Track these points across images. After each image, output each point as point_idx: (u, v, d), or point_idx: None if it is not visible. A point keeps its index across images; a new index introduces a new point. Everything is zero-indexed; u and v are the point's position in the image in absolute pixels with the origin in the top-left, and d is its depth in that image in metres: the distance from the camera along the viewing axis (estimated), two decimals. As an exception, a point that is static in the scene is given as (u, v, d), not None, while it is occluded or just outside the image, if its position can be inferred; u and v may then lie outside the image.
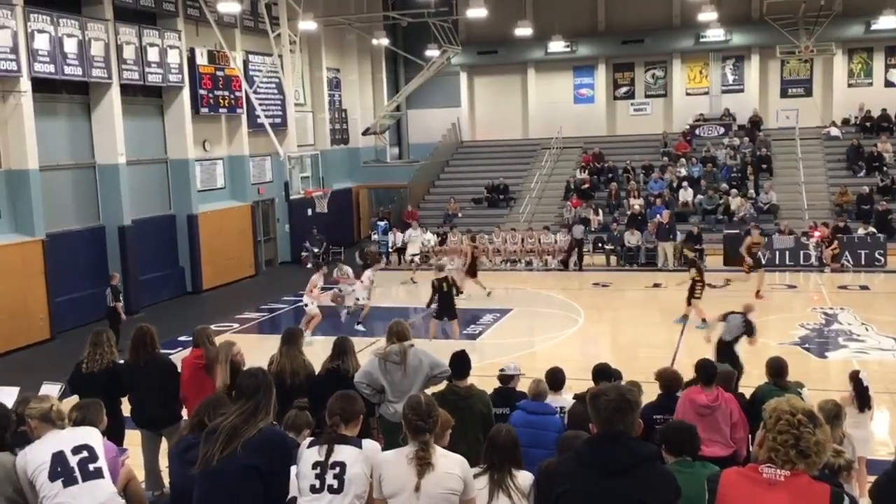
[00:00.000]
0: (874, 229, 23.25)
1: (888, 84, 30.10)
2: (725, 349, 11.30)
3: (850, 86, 30.43)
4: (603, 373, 7.58)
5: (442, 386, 7.22)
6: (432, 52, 32.00)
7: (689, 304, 16.56)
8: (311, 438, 4.71)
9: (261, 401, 4.50)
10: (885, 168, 26.71)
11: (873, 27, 28.50)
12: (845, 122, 29.57)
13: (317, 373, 7.89)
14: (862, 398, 7.50)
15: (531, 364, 12.72)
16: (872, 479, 4.20)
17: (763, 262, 18.25)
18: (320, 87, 29.45)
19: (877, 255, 22.19)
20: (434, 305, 15.94)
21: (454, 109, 34.28)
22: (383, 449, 4.71)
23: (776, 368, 7.21)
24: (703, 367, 7.14)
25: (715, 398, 6.75)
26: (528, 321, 18.24)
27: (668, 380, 7.55)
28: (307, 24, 25.09)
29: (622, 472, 3.37)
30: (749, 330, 11.50)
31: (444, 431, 4.78)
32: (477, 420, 6.74)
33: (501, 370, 7.94)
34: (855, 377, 7.99)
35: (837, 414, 6.53)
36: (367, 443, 4.57)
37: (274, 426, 4.77)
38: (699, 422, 6.43)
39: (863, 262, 22.14)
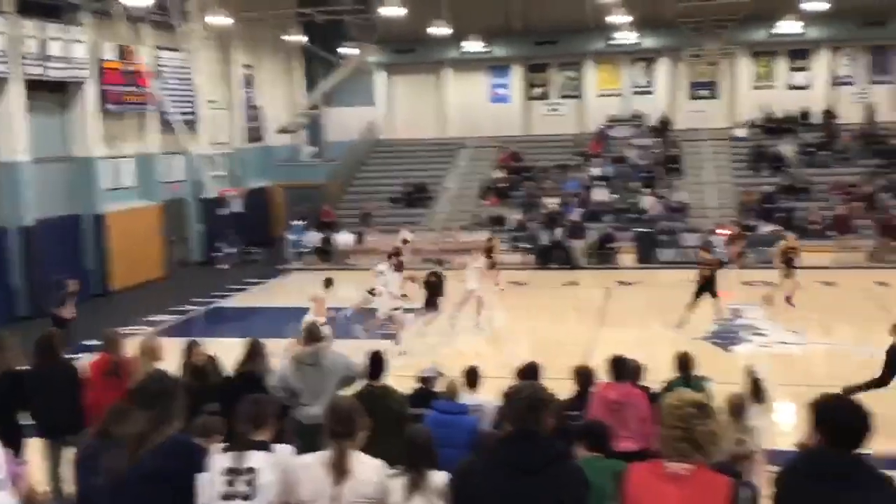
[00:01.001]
0: (778, 227, 24.15)
1: (791, 87, 31.30)
2: None
3: (754, 88, 31.53)
4: (530, 372, 7.63)
5: (358, 386, 7.16)
6: (349, 50, 31.81)
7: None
8: (222, 445, 4.59)
9: (168, 407, 4.36)
10: (787, 168, 27.79)
11: (776, 31, 29.60)
12: (749, 123, 30.62)
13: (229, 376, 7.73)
14: (756, 391, 7.76)
15: (450, 363, 12.77)
16: (773, 469, 4.34)
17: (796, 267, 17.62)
18: (234, 84, 28.89)
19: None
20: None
21: (372, 108, 34.13)
22: (300, 453, 4.62)
23: (682, 363, 7.40)
24: (613, 362, 7.27)
25: (625, 394, 6.89)
26: (446, 320, 18.23)
27: (584, 377, 7.69)
28: (219, 20, 24.57)
29: (535, 470, 3.39)
30: None
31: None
32: (393, 420, 6.70)
33: (421, 373, 7.93)
34: (749, 371, 8.27)
35: (740, 406, 6.75)
36: (279, 448, 4.48)
37: (182, 433, 4.63)
38: (610, 417, 6.56)
39: (767, 259, 22.92)
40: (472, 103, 33.35)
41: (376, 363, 7.13)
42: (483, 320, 16.91)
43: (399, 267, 16.36)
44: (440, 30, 28.71)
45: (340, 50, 32.19)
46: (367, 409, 5.62)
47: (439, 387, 7.79)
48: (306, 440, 6.46)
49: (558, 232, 24.73)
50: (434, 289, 16.77)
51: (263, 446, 4.41)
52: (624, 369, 7.25)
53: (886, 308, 17.63)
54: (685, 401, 3.05)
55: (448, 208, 28.60)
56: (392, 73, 34.27)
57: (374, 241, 26.16)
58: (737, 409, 6.86)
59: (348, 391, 6.99)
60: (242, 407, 4.52)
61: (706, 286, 16.44)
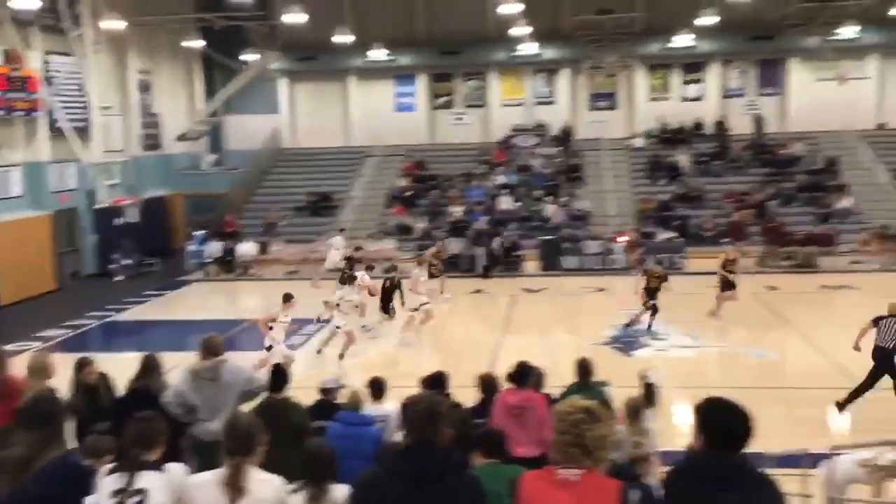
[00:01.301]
0: (674, 234, 24.97)
1: (685, 98, 32.43)
2: (887, 358, 11.17)
3: (651, 100, 32.52)
4: (436, 381, 7.60)
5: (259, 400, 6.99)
6: (250, 57, 31.30)
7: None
8: (111, 465, 4.39)
9: (55, 428, 4.15)
10: (682, 177, 28.75)
11: (671, 45, 30.64)
12: (646, 133, 31.54)
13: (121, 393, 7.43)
14: (649, 395, 7.96)
15: (355, 374, 12.65)
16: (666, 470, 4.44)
17: (735, 283, 17.56)
18: (129, 90, 27.98)
19: (677, 258, 23.77)
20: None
21: (275, 115, 33.63)
22: (198, 471, 4.47)
23: (582, 368, 7.51)
24: (516, 369, 7.33)
25: (526, 399, 6.94)
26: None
27: (487, 384, 7.72)
28: (113, 24, 23.76)
29: (432, 481, 3.37)
30: None
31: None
32: (294, 434, 6.58)
33: (321, 383, 7.81)
34: (641, 376, 8.48)
35: (637, 410, 6.90)
36: (171, 467, 4.32)
37: (69, 454, 4.42)
38: (512, 422, 6.60)
39: (664, 266, 23.62)
40: (378, 112, 33.27)
41: (278, 376, 6.99)
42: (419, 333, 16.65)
43: (350, 280, 16.03)
44: (344, 38, 28.55)
45: (242, 56, 31.64)
46: (267, 422, 5.50)
47: (343, 398, 7.68)
48: (205, 458, 6.26)
49: (465, 240, 24.88)
50: (389, 295, 16.93)
51: (154, 466, 4.24)
52: (526, 376, 7.30)
53: (775, 312, 18.47)
54: (575, 407, 3.08)
55: (353, 217, 28.41)
56: (295, 81, 33.87)
57: (279, 251, 25.77)
58: (633, 412, 7.01)
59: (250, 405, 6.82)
60: (131, 426, 4.34)
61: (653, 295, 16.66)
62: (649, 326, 16.62)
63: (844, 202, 26.32)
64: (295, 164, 32.11)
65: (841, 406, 11.27)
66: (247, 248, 25.39)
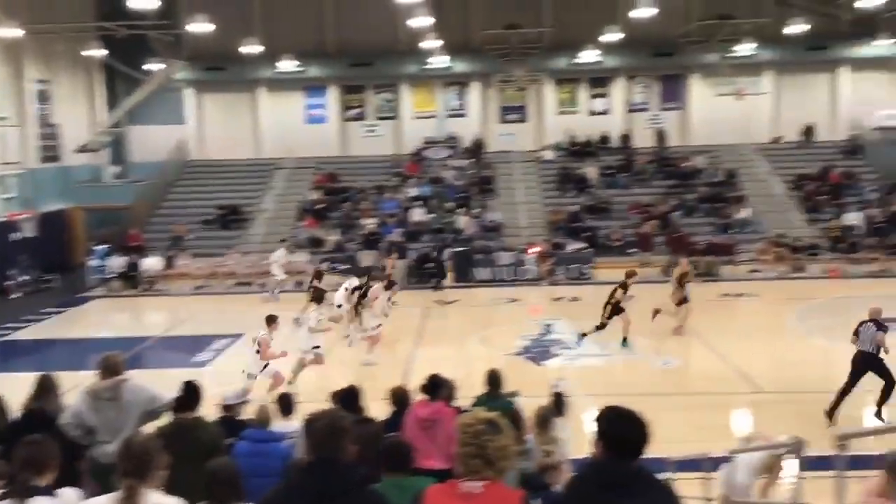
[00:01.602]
0: (583, 244, 25.46)
1: (591, 112, 33.19)
2: (871, 361, 11.31)
3: (559, 113, 33.16)
4: (348, 396, 7.48)
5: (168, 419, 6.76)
6: (154, 66, 30.51)
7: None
8: (1, 492, 4.16)
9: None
10: (590, 189, 29.37)
11: (577, 60, 31.33)
12: (556, 146, 32.12)
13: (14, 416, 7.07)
14: (558, 404, 8.05)
15: (264, 389, 12.39)
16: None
17: (688, 298, 17.41)
18: (26, 99, 26.85)
19: (586, 268, 24.24)
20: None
21: (181, 126, 32.85)
22: (98, 494, 4.27)
23: (492, 379, 7.54)
24: (426, 381, 7.31)
25: (436, 412, 6.93)
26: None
27: (399, 397, 7.68)
28: (8, 31, 22.80)
29: (335, 497, 3.32)
30: (881, 328, 11.46)
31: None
32: (203, 453, 6.37)
33: (224, 399, 7.61)
34: (552, 385, 8.58)
35: (546, 419, 6.96)
36: (64, 492, 4.12)
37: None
38: (422, 435, 6.56)
39: (573, 276, 24.12)
40: (288, 123, 32.90)
41: (190, 393, 6.76)
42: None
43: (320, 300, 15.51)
44: (252, 48, 28.14)
45: (146, 66, 30.81)
46: (175, 442, 5.30)
47: (248, 413, 7.50)
48: (104, 481, 6.01)
49: (379, 252, 24.76)
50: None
51: (46, 491, 4.04)
52: (437, 388, 7.29)
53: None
54: (477, 418, 3.09)
55: (264, 230, 27.96)
56: (202, 91, 33.18)
57: (185, 266, 25.13)
58: (543, 421, 7.07)
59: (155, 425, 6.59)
60: (20, 450, 4.12)
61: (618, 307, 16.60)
62: (583, 335, 16.45)
63: (743, 213, 27.35)
64: (202, 176, 31.42)
65: (830, 415, 11.37)
66: (152, 263, 24.67)
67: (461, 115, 33.30)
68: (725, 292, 21.78)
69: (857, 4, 24.79)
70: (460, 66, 32.31)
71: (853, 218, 26.34)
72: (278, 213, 29.04)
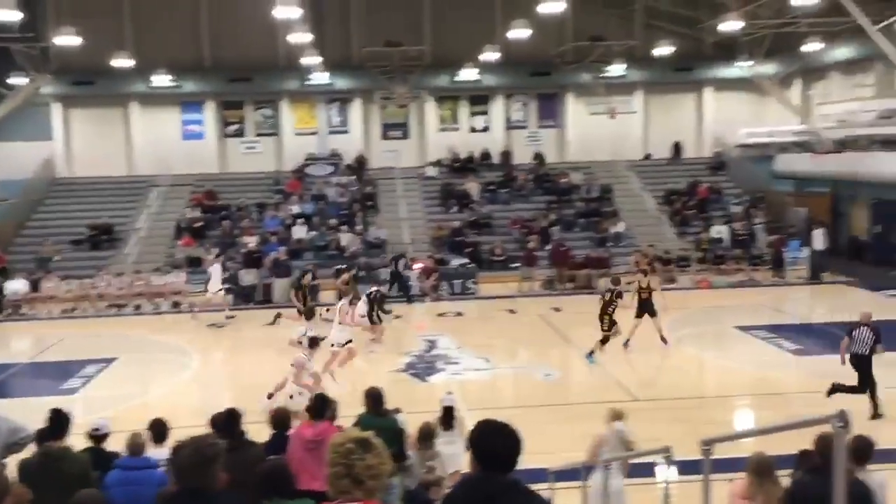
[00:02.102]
0: (467, 260, 25.74)
1: (472, 129, 33.71)
2: (862, 361, 11.89)
3: (441, 130, 33.51)
4: (227, 420, 7.23)
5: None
6: (18, 80, 29.06)
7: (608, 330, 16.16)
8: None
9: None
10: (472, 205, 29.78)
11: (457, 78, 31.79)
12: (438, 163, 32.43)
13: None
14: (447, 419, 8.11)
15: (140, 415, 11.91)
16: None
17: (651, 310, 16.95)
18: None
19: (469, 283, 24.52)
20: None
21: (48, 143, 31.32)
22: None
23: (373, 398, 7.52)
24: (312, 401, 7.22)
25: (322, 432, 6.85)
26: (137, 369, 17.12)
27: (279, 418, 7.54)
28: None
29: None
30: (878, 337, 12.01)
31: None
32: (71, 484, 6.07)
33: (90, 428, 7.26)
34: (441, 400, 8.64)
35: (428, 434, 6.99)
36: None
37: None
38: (308, 456, 6.47)
39: (458, 291, 24.35)
40: (163, 139, 31.90)
41: (57, 421, 6.42)
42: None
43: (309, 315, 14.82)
44: (123, 62, 27.19)
45: (9, 80, 29.27)
46: (42, 474, 5.03)
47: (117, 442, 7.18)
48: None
49: (261, 271, 24.25)
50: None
51: None
52: (323, 408, 7.21)
53: (560, 332, 19.47)
54: (347, 438, 3.06)
55: (139, 250, 26.96)
56: (71, 106, 31.76)
57: (53, 289, 23.91)
58: (425, 437, 7.09)
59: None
60: None
61: (643, 308, 16.64)
62: (591, 353, 16.10)
63: (618, 227, 28.33)
64: (71, 194, 30.04)
65: (875, 415, 11.86)
66: (16, 286, 23.35)
67: (343, 132, 33.16)
68: (603, 304, 22.40)
69: (719, 28, 26.17)
70: (342, 83, 32.21)
71: (719, 231, 27.72)
72: (153, 233, 28.08)
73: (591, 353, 16.11)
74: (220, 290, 21.67)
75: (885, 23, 22.71)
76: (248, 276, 24.10)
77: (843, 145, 27.91)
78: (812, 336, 17.79)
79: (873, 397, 12.01)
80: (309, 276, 20.21)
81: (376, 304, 17.65)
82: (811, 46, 27.94)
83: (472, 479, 3.44)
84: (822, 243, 25.37)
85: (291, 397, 11.99)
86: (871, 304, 21.48)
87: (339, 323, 15.42)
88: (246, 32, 30.66)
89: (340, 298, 17.03)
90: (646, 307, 17.14)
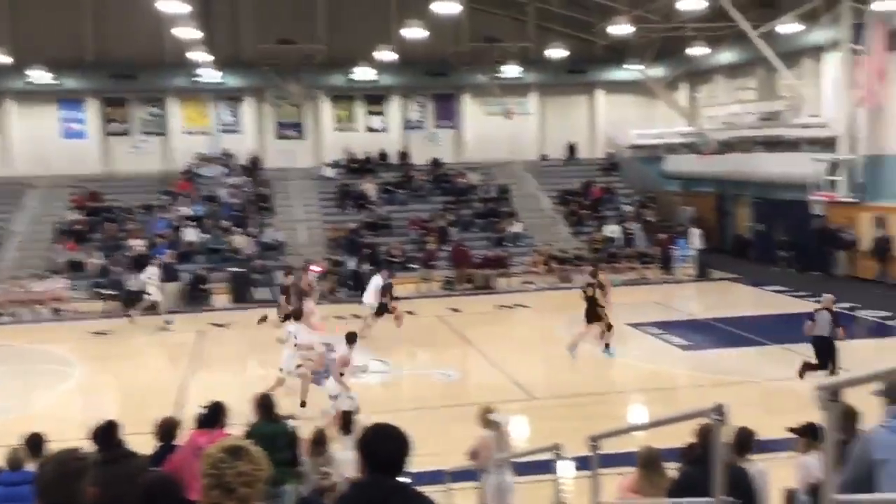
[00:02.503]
0: (365, 261, 25.45)
1: (369, 129, 33.45)
2: (826, 345, 12.86)
3: (337, 130, 33.11)
4: (105, 432, 6.79)
5: None
6: None
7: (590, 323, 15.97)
8: None
9: None
10: (370, 206, 29.54)
11: (353, 77, 31.49)
12: (335, 163, 32.04)
13: None
14: (345, 423, 7.92)
15: (19, 429, 11.21)
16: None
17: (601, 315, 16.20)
18: None
19: (365, 285, 24.20)
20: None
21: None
22: None
23: (264, 405, 7.24)
24: (205, 409, 6.92)
25: (215, 440, 6.53)
26: (12, 381, 16.14)
27: (165, 429, 7.20)
28: None
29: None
30: (836, 321, 13.14)
31: None
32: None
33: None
34: (343, 404, 8.44)
35: (321, 440, 6.78)
36: None
37: None
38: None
39: (355, 292, 24.02)
40: (42, 138, 30.38)
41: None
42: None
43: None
44: (-2, 57, 25.76)
45: None
46: None
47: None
48: None
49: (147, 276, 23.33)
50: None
51: None
52: (216, 416, 6.90)
53: (458, 332, 19.47)
54: (219, 447, 2.90)
55: (15, 255, 25.53)
56: (-61, 103, 29.89)
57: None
58: (318, 442, 6.88)
59: None
60: None
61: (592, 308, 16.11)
62: (607, 346, 16.06)
63: (515, 227, 28.63)
64: (-59, 197, 28.23)
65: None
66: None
67: (235, 131, 32.35)
68: (501, 304, 22.61)
69: (609, 31, 26.80)
70: (233, 81, 31.42)
71: (612, 230, 28.38)
72: (32, 236, 26.66)
73: (607, 347, 16.04)
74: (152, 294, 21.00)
75: (766, 28, 23.72)
76: (134, 281, 23.15)
77: (727, 146, 29.03)
78: (699, 331, 18.38)
79: (833, 371, 12.82)
80: (292, 277, 20.08)
81: (388, 294, 18.24)
82: (697, 50, 28.95)
83: (360, 484, 3.41)
84: (699, 243, 26.37)
85: (336, 397, 11.56)
86: (754, 300, 22.44)
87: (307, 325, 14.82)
88: (131, 27, 29.46)
89: (302, 298, 16.47)
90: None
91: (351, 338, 12.49)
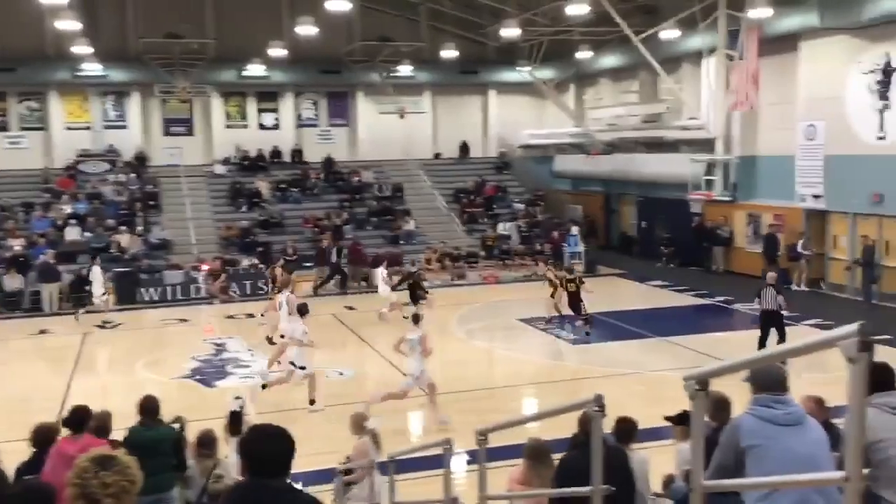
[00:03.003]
0: (257, 260, 25.12)
1: (261, 126, 32.93)
2: (774, 316, 14.06)
3: (228, 127, 32.46)
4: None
5: None
6: None
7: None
8: None
9: None
10: (263, 204, 29.13)
11: (245, 73, 30.92)
12: (226, 160, 31.42)
13: None
14: (234, 424, 7.88)
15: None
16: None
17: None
18: None
19: (260, 284, 23.93)
20: None
21: None
22: None
23: (147, 408, 7.11)
24: (70, 414, 6.73)
25: (85, 447, 6.38)
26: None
27: (40, 435, 6.98)
28: None
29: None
30: (779, 291, 14.38)
31: None
32: None
33: None
34: (230, 404, 8.38)
35: (208, 442, 6.74)
36: None
37: None
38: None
39: (248, 292, 23.72)
40: None
41: None
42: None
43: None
44: None
45: None
46: None
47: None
48: None
49: (28, 276, 22.33)
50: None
51: None
52: (82, 421, 6.71)
53: (354, 330, 19.50)
54: (88, 457, 2.88)
55: None
56: None
57: None
58: (204, 444, 6.83)
59: None
60: None
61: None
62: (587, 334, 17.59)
63: (410, 225, 28.82)
64: None
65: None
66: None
67: (121, 127, 31.26)
68: (394, 301, 22.66)
69: (500, 33, 27.26)
70: (118, 75, 30.35)
71: (505, 228, 28.94)
72: None
73: (587, 333, 17.61)
74: (104, 293, 20.89)
75: (647, 33, 24.66)
76: (12, 282, 22.18)
77: (612, 147, 30.04)
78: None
79: (782, 339, 13.90)
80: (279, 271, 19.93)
81: (418, 285, 19.75)
82: (583, 54, 29.81)
83: (242, 486, 3.35)
84: (579, 242, 27.39)
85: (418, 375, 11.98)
86: (639, 295, 23.33)
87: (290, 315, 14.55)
88: (9, 18, 28.01)
89: (280, 292, 16.12)
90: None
91: (417, 318, 12.90)
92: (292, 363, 13.25)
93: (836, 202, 21.35)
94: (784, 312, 14.47)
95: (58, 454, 6.29)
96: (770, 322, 14.31)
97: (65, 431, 6.75)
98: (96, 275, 20.89)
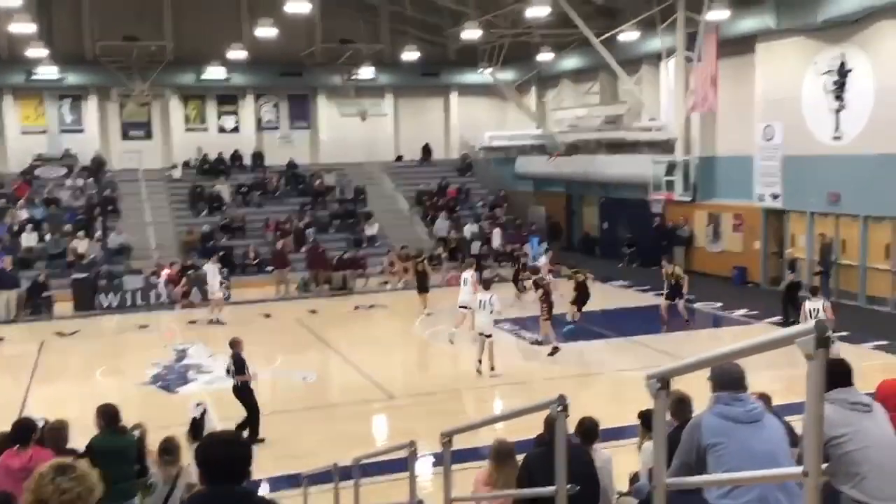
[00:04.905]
0: (218, 264, 24.80)
1: (221, 130, 32.60)
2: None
3: (187, 130, 32.08)
4: None
5: None
6: None
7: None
8: None
9: None
10: (223, 208, 28.83)
11: (204, 76, 30.57)
12: (186, 164, 31.05)
13: None
14: (195, 430, 7.78)
15: None
16: None
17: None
18: None
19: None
20: None
21: None
22: None
23: (106, 415, 6.97)
24: (14, 427, 6.57)
25: (31, 459, 6.26)
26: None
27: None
28: None
29: None
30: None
31: None
32: None
33: None
34: (191, 409, 8.27)
35: (170, 449, 6.65)
36: None
37: None
38: (18, 488, 5.88)
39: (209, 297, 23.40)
40: None
41: None
42: None
43: None
44: None
45: None
46: None
47: None
48: None
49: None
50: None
51: None
52: (28, 433, 6.56)
53: (317, 334, 19.38)
54: (48, 464, 2.83)
55: None
56: None
57: None
58: (166, 451, 6.74)
59: None
60: None
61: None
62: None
63: (372, 228, 28.71)
64: None
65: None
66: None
67: (78, 131, 30.75)
68: (357, 305, 22.63)
69: (462, 35, 27.30)
70: (74, 78, 29.84)
71: (468, 229, 28.96)
72: None
73: (570, 323, 17.87)
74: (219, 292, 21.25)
75: (607, 35, 24.87)
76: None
77: (574, 148, 30.23)
78: (552, 327, 19.03)
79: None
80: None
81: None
82: (544, 56, 29.97)
83: (199, 495, 3.32)
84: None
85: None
86: (602, 295, 23.46)
87: None
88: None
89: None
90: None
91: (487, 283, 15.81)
92: (481, 333, 14.90)
93: (793, 202, 21.70)
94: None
95: (3, 467, 6.13)
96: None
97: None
98: (213, 271, 21.27)
